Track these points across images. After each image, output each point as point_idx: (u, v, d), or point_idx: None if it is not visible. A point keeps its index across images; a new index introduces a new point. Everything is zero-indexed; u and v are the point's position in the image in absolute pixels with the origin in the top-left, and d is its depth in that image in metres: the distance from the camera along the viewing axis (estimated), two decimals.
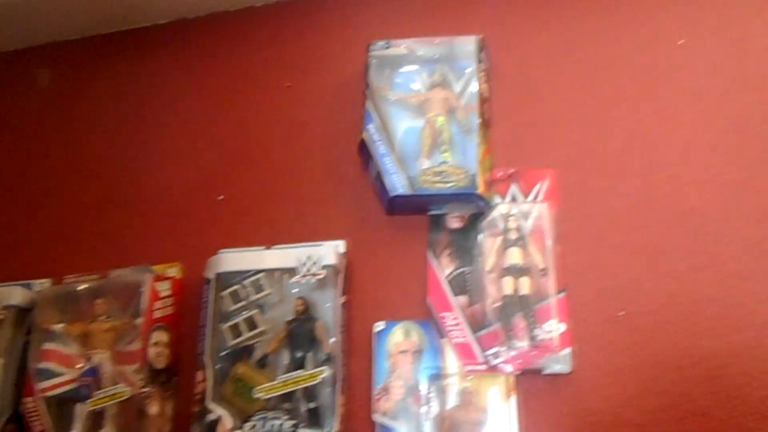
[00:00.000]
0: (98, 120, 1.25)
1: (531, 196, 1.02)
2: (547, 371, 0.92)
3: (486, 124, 1.06)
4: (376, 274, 1.04)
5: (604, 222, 0.99)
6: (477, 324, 0.96)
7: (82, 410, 0.99)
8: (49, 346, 1.03)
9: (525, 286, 0.96)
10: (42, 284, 1.10)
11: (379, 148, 1.03)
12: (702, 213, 0.96)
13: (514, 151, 1.06)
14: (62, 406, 0.99)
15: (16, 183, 1.24)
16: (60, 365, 1.02)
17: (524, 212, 1.01)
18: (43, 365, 1.02)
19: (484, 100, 1.06)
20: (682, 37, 1.08)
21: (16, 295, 1.08)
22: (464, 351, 0.95)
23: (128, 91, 1.27)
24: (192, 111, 1.22)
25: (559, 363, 0.91)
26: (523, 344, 0.93)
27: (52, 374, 1.01)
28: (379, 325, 0.99)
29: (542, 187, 1.02)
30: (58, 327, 1.04)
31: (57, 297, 1.07)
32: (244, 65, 1.23)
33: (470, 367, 0.94)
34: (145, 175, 1.19)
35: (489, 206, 1.01)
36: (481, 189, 0.98)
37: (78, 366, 1.02)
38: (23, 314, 1.07)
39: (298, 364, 0.95)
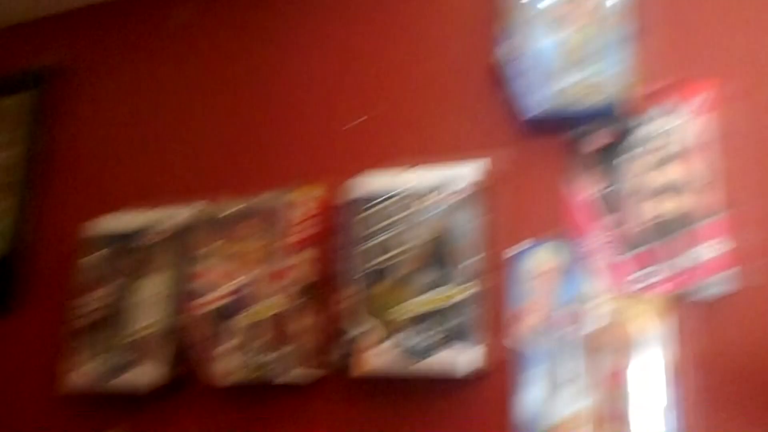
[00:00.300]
0: (242, 47, 1.29)
1: (691, 109, 0.94)
2: (708, 291, 0.86)
3: (639, 33, 0.98)
4: (517, 193, 1.01)
5: None
6: (628, 243, 0.91)
7: (240, 321, 1.06)
8: (207, 263, 1.11)
9: (684, 203, 0.89)
10: (197, 207, 1.17)
11: (519, 65, 0.99)
12: None
13: (671, 61, 0.98)
14: (223, 317, 1.07)
15: (174, 114, 1.31)
16: (218, 281, 1.09)
17: (683, 126, 0.93)
18: (203, 281, 1.10)
19: (636, 7, 0.98)
20: None
21: (176, 216, 1.17)
22: (615, 271, 0.91)
23: (267, 22, 1.29)
24: (333, 36, 1.22)
25: (722, 283, 0.85)
26: (681, 264, 0.87)
27: (212, 289, 1.09)
28: (522, 245, 0.97)
29: (704, 98, 0.94)
30: (215, 246, 1.11)
31: (213, 218, 1.13)
32: None
33: (621, 288, 0.90)
34: (289, 100, 1.22)
35: (642, 121, 0.95)
36: (632, 103, 0.92)
37: (233, 282, 1.09)
38: (183, 234, 1.15)
39: (442, 282, 0.96)
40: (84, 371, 1.13)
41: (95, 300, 1.17)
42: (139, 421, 1.14)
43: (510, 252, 0.97)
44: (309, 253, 1.07)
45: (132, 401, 1.13)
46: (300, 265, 1.05)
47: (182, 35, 1.35)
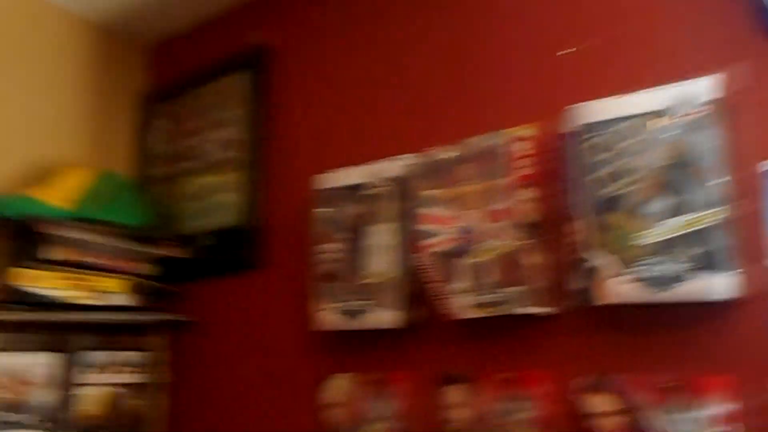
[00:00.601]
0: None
1: None
2: None
3: None
4: (761, 108, 0.92)
5: None
6: None
7: (467, 262, 1.09)
8: (428, 210, 1.15)
9: None
10: (412, 157, 1.22)
11: None
12: None
13: None
14: (450, 259, 1.11)
15: (378, 71, 1.36)
16: (441, 226, 1.14)
17: None
18: (426, 227, 1.15)
19: None
20: None
21: (393, 168, 1.22)
22: None
23: None
24: None
25: None
26: None
27: (434, 234, 1.14)
28: None
29: None
30: (434, 193, 1.15)
31: (428, 167, 1.18)
32: None
33: None
34: (491, 38, 1.21)
35: None
36: None
37: (455, 226, 1.12)
38: (402, 184, 1.21)
39: (680, 209, 0.91)
40: (328, 314, 1.25)
41: (330, 251, 1.27)
42: (380, 359, 1.23)
43: (761, 169, 0.89)
44: (532, 191, 1.07)
45: (371, 340, 1.23)
46: (524, 203, 1.06)
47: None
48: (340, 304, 1.23)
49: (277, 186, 1.48)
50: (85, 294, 1.44)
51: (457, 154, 1.15)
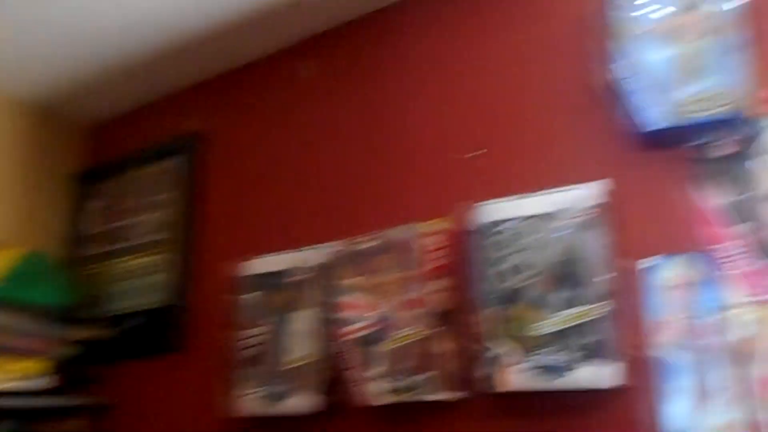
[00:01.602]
0: (361, 96, 1.40)
1: None
2: None
3: (751, 41, 0.98)
4: (640, 209, 1.03)
5: None
6: (761, 252, 0.91)
7: (383, 348, 1.15)
8: (348, 297, 1.21)
9: None
10: (335, 245, 1.28)
11: (631, 83, 1.01)
12: None
13: None
14: (367, 345, 1.17)
15: (301, 164, 1.45)
16: (360, 312, 1.19)
17: None
18: (346, 313, 1.20)
19: (746, 15, 0.98)
20: None
21: (316, 256, 1.29)
22: (753, 279, 0.91)
23: (380, 68, 1.39)
24: (441, 73, 1.31)
25: None
26: None
27: (353, 321, 1.19)
28: (649, 261, 0.99)
29: None
30: (354, 281, 1.22)
31: (349, 255, 1.24)
32: (488, 21, 1.28)
33: (760, 296, 0.90)
34: (410, 138, 1.31)
35: (761, 128, 0.95)
36: (750, 111, 0.92)
37: (372, 313, 1.18)
38: (324, 272, 1.27)
39: (572, 302, 1.00)
40: (248, 399, 1.27)
41: (252, 335, 1.31)
42: None
43: (641, 267, 1.00)
44: (442, 282, 1.15)
45: (293, 424, 1.26)
46: (434, 293, 1.13)
47: (304, 91, 1.49)
48: (262, 389, 1.26)
49: (203, 269, 1.52)
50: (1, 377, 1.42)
51: (375, 244, 1.22)
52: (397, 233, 1.21)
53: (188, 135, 1.64)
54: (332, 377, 1.21)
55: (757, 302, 0.90)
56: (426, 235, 1.18)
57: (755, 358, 0.88)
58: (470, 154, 1.22)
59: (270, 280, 1.33)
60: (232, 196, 1.53)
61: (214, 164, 1.59)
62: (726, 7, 0.98)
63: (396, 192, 1.29)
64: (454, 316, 1.14)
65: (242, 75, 1.61)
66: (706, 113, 0.95)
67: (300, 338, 1.25)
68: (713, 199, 0.97)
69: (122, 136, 1.80)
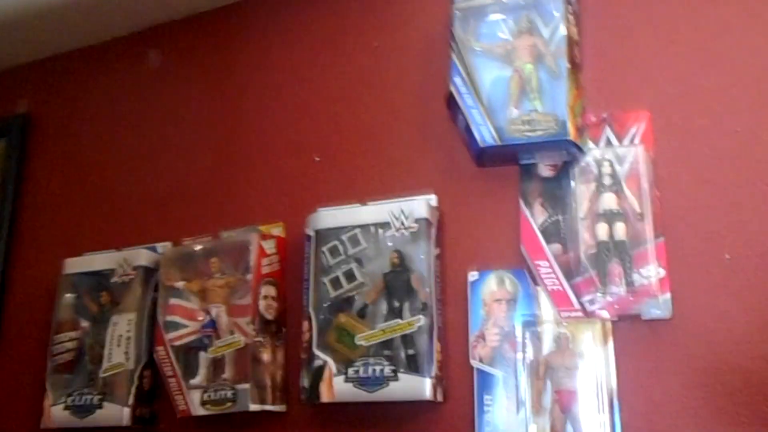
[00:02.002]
0: (203, 93, 1.34)
1: (626, 140, 0.99)
2: (646, 317, 0.90)
3: (576, 69, 1.03)
4: (468, 224, 1.06)
5: (704, 163, 0.94)
6: (572, 271, 0.95)
7: (204, 357, 1.09)
8: (173, 301, 1.14)
9: (620, 231, 0.94)
10: (164, 246, 1.21)
11: (466, 100, 1.03)
12: None
13: (606, 94, 1.03)
14: (187, 353, 1.10)
15: (137, 157, 1.36)
16: (184, 318, 1.13)
17: (619, 156, 0.98)
18: (169, 318, 1.13)
19: (573, 44, 1.03)
20: None
21: (142, 256, 1.20)
22: (559, 298, 0.95)
23: (224, 65, 1.34)
24: (284, 78, 1.28)
25: (659, 308, 0.89)
26: (619, 290, 0.92)
27: (178, 326, 1.12)
28: (473, 275, 1.01)
29: (638, 129, 0.99)
30: (180, 284, 1.15)
31: (177, 257, 1.17)
32: (332, 30, 1.26)
33: (566, 314, 0.94)
34: (248, 142, 1.27)
35: (581, 152, 1.00)
36: (571, 135, 0.96)
37: (199, 319, 1.12)
38: (150, 273, 1.19)
39: (396, 314, 1.00)
40: (55, 410, 1.16)
41: (67, 339, 1.20)
42: None
43: (463, 281, 1.01)
44: (270, 289, 1.11)
45: None
46: (261, 301, 1.09)
47: (142, 82, 1.40)
48: (69, 399, 1.15)
49: (21, 263, 1.38)
50: None
51: (207, 247, 1.16)
52: (230, 236, 1.16)
53: (15, 117, 1.49)
54: (148, 387, 1.13)
55: (562, 319, 0.94)
56: (260, 239, 1.13)
57: (555, 373, 0.92)
58: (315, 160, 1.20)
59: (91, 280, 1.23)
60: (59, 187, 1.41)
61: (41, 151, 1.46)
62: (558, 34, 1.02)
63: (232, 193, 1.24)
64: (283, 325, 1.11)
65: (83, 57, 1.49)
66: (533, 134, 0.99)
67: (118, 344, 1.16)
68: (535, 218, 1.00)
69: None
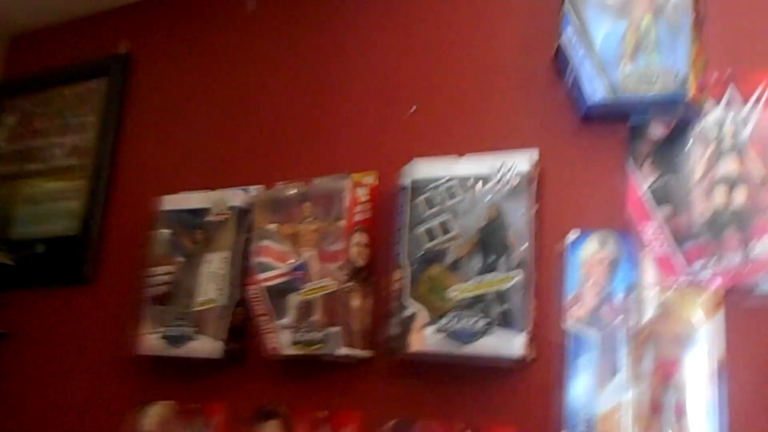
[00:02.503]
0: (300, 39, 1.33)
1: (751, 100, 0.92)
2: (760, 290, 0.85)
3: (699, 22, 0.96)
4: (571, 182, 1.02)
5: None
6: (681, 236, 0.91)
7: (294, 299, 1.11)
8: (264, 243, 1.16)
9: (741, 197, 0.88)
10: (257, 189, 1.23)
11: (578, 52, 0.98)
12: None
13: (731, 51, 0.96)
14: (278, 295, 1.12)
15: (231, 101, 1.37)
16: (274, 260, 1.14)
17: (742, 118, 0.92)
18: (260, 259, 1.15)
19: None
20: None
21: (236, 197, 1.22)
22: (665, 264, 0.91)
23: (325, 13, 1.32)
24: (384, 25, 1.25)
25: None
26: (734, 259, 0.86)
27: (269, 267, 1.14)
28: (574, 234, 0.98)
29: (765, 89, 0.92)
30: (272, 227, 1.16)
31: (270, 200, 1.18)
32: None
33: (671, 281, 0.90)
34: (344, 90, 1.25)
35: (700, 112, 0.94)
36: (691, 93, 0.91)
37: (289, 261, 1.13)
38: (243, 214, 1.21)
39: (490, 268, 0.98)
40: (150, 338, 1.21)
41: (162, 273, 1.24)
42: (198, 388, 1.21)
43: (561, 242, 0.98)
44: (362, 237, 1.10)
45: (192, 369, 1.21)
46: (352, 248, 1.09)
47: (240, 26, 1.40)
48: (164, 329, 1.20)
49: (119, 200, 1.43)
50: None
51: (300, 191, 1.17)
52: (323, 182, 1.16)
53: (116, 56, 1.52)
54: (239, 324, 1.16)
55: (665, 287, 0.90)
56: (353, 187, 1.13)
57: (655, 344, 0.88)
58: (411, 110, 1.18)
59: (186, 218, 1.26)
60: (156, 126, 1.44)
61: (140, 91, 1.49)
62: None
63: (325, 140, 1.24)
64: (372, 273, 1.11)
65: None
66: (642, 93, 0.93)
67: (211, 281, 1.20)
68: (641, 180, 0.95)
69: (45, 49, 1.66)
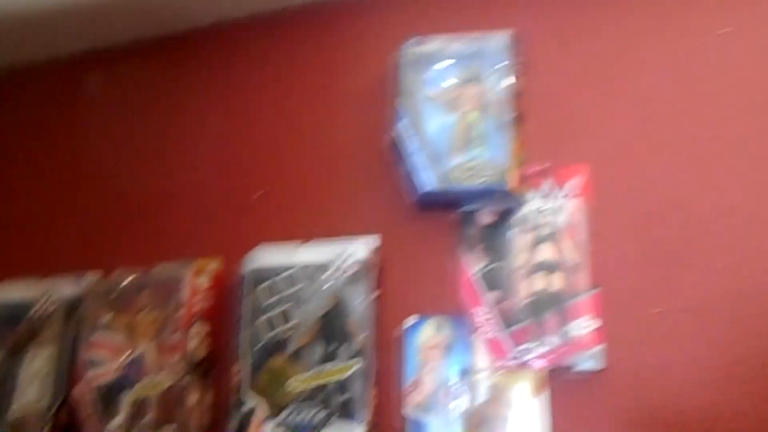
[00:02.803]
0: (144, 121, 1.30)
1: (564, 192, 1.01)
2: (578, 368, 0.91)
3: (519, 119, 1.05)
4: (408, 269, 1.05)
5: (639, 217, 0.97)
6: (508, 320, 0.95)
7: (127, 398, 1.03)
8: (97, 336, 1.08)
9: (556, 282, 0.95)
10: (91, 277, 1.15)
11: (410, 145, 1.03)
12: (740, 207, 0.93)
13: (548, 146, 1.05)
14: (109, 393, 1.04)
15: (69, 181, 1.30)
16: (108, 354, 1.07)
17: (557, 208, 1.00)
18: (91, 355, 1.07)
19: (517, 95, 1.06)
20: (723, 26, 1.04)
21: (66, 288, 1.14)
22: (495, 347, 0.95)
23: (171, 93, 1.31)
24: (230, 110, 1.25)
25: (591, 360, 0.90)
26: (554, 340, 0.92)
27: (101, 363, 1.06)
28: (410, 321, 1.00)
29: (576, 182, 1.01)
30: (106, 318, 1.09)
31: (105, 290, 1.12)
32: (279, 66, 1.25)
33: (500, 363, 0.94)
34: (188, 173, 1.23)
35: (521, 202, 1.01)
36: (512, 185, 0.98)
37: (124, 356, 1.06)
38: (73, 306, 1.13)
39: (331, 358, 0.97)
40: None
41: None
42: None
43: (399, 328, 1.00)
44: (202, 327, 1.06)
45: None
46: (191, 340, 1.05)
47: (79, 104, 1.36)
48: None
49: None
50: None
51: (137, 280, 1.11)
52: (162, 270, 1.12)
53: None
54: (63, 428, 1.06)
55: (495, 370, 0.93)
56: (194, 274, 1.09)
57: (488, 425, 0.91)
58: (257, 194, 1.17)
59: (10, 311, 1.16)
60: None
61: None
62: (503, 84, 1.04)
63: (169, 224, 1.20)
64: (214, 365, 1.07)
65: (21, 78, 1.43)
66: (472, 182, 0.99)
67: (34, 381, 1.09)
68: (471, 266, 1.00)
69: None
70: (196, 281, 1.08)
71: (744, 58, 1.01)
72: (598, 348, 0.90)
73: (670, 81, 1.03)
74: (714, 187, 0.95)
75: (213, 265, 1.12)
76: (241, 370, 1.00)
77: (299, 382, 0.96)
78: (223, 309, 1.09)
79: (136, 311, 1.09)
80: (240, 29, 1.31)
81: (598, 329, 0.91)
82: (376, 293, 1.02)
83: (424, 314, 1.00)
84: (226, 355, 1.04)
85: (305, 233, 1.08)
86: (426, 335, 0.99)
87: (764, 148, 0.95)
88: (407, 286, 1.04)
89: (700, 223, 0.94)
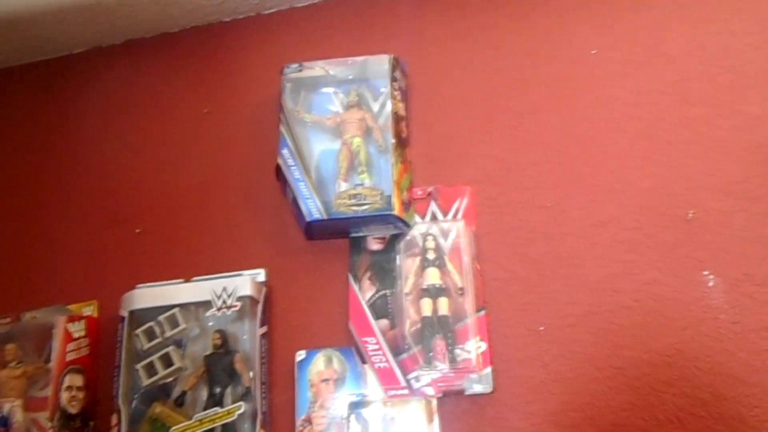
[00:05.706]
0: (11, 151, 1.21)
1: (450, 214, 1.01)
2: (468, 392, 0.90)
3: (403, 143, 1.05)
4: (297, 301, 1.02)
5: (521, 237, 0.98)
6: (398, 348, 0.94)
7: None
8: None
9: (443, 306, 0.94)
10: None
11: (294, 173, 1.01)
12: (618, 221, 0.96)
13: (432, 170, 1.06)
14: None
15: None
16: None
17: (443, 231, 1.00)
18: None
19: (400, 119, 1.06)
20: (595, 46, 1.08)
21: None
22: (386, 376, 0.93)
23: (42, 121, 1.23)
24: (107, 140, 1.19)
25: (481, 383, 0.90)
26: (443, 366, 0.91)
27: None
28: (301, 354, 0.97)
29: (460, 204, 1.02)
30: None
31: None
32: (160, 92, 1.21)
33: (392, 392, 0.92)
34: (58, 209, 1.16)
35: (407, 227, 1.00)
36: (396, 210, 0.97)
37: None
38: None
39: (217, 401, 0.92)
40: None
41: None
42: None
43: (291, 361, 0.97)
44: (75, 379, 0.99)
45: None
46: (63, 393, 0.97)
47: None
48: None
49: None
50: None
51: (4, 330, 1.02)
52: (33, 317, 1.03)
53: None
54: None
55: (390, 398, 0.92)
56: (67, 320, 1.01)
57: None
58: (136, 231, 1.11)
59: None
60: None
61: None
62: (385, 109, 1.04)
63: (41, 267, 1.12)
64: (90, 418, 0.99)
65: None
66: (359, 208, 0.98)
67: None
68: (364, 292, 0.98)
69: None
70: (68, 328, 1.00)
71: (613, 75, 1.05)
72: (485, 371, 0.90)
73: (547, 100, 1.06)
74: (592, 201, 0.98)
75: (89, 310, 1.04)
76: (120, 421, 0.93)
77: (182, 429, 0.91)
78: (103, 356, 1.02)
79: (2, 366, 1.00)
80: (117, 55, 1.26)
81: (485, 351, 0.92)
82: (264, 329, 0.98)
83: (316, 347, 0.97)
84: (106, 406, 0.97)
85: (190, 270, 1.04)
86: (317, 369, 0.96)
87: (639, 159, 0.99)
88: (298, 318, 1.01)
89: (578, 239, 0.97)
